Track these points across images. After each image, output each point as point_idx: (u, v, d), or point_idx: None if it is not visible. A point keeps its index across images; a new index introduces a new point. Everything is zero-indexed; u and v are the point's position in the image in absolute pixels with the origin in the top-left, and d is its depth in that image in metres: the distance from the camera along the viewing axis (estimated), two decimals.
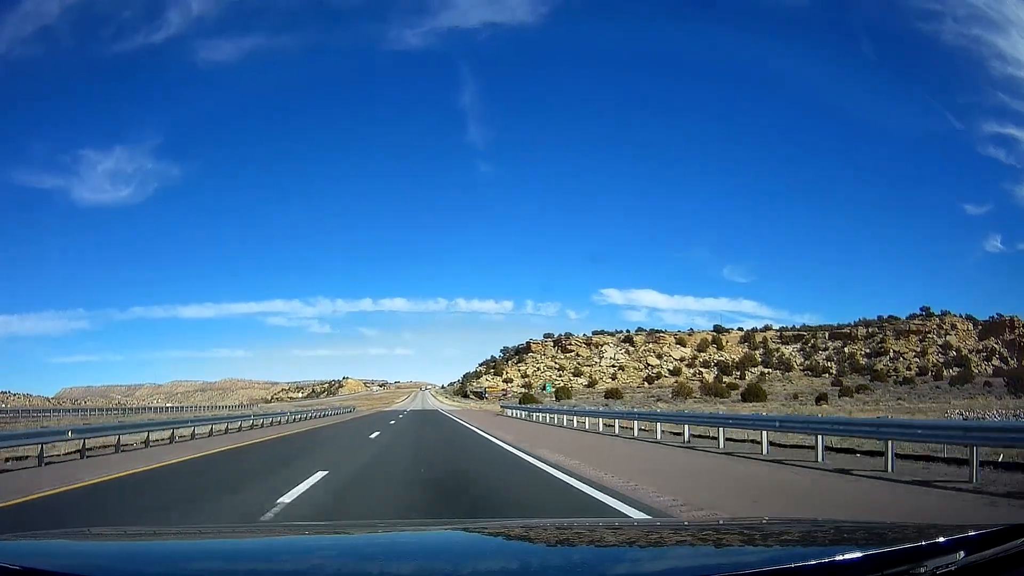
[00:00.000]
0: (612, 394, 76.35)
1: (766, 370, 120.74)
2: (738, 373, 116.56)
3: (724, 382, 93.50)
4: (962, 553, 1.31)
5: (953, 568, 1.29)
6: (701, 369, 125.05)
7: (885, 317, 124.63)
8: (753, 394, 61.91)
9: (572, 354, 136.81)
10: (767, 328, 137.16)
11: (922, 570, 1.26)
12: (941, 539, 1.36)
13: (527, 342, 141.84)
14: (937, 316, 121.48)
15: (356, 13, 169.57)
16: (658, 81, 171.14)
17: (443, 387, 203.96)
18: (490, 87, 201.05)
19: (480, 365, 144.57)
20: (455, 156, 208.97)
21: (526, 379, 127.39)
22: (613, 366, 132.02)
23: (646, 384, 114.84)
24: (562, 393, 79.67)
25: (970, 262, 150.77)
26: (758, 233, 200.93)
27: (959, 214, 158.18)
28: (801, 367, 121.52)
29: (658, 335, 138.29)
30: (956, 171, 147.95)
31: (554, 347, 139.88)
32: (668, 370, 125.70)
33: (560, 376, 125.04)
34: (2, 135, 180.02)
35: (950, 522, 1.85)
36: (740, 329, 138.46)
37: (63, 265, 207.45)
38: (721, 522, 3.18)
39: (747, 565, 1.39)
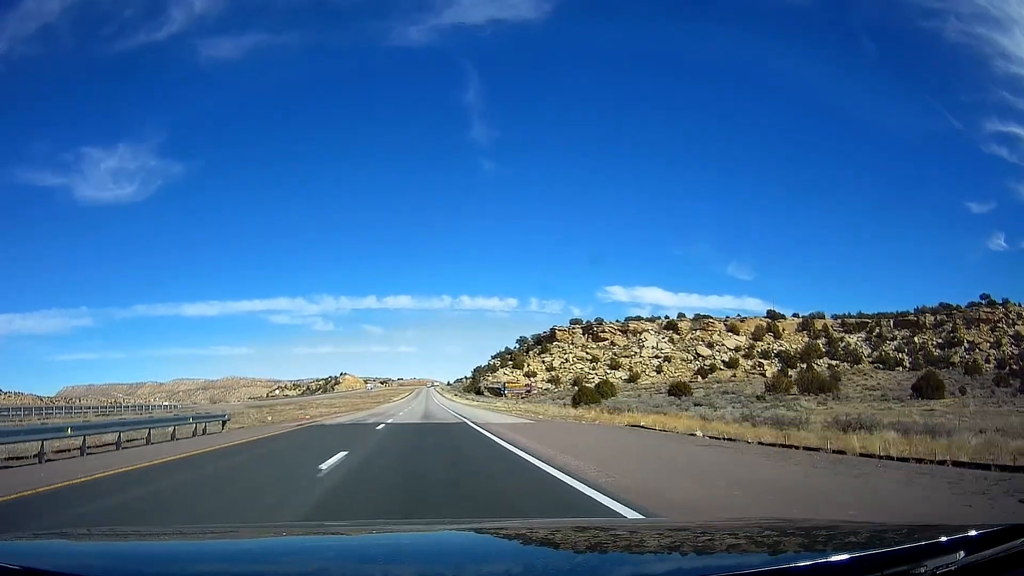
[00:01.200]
0: (678, 389, 67.97)
1: (832, 362, 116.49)
2: (803, 365, 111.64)
3: (789, 375, 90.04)
4: (962, 553, 1.43)
5: (953, 568, 1.41)
6: (761, 360, 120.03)
7: (952, 305, 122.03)
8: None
9: (605, 343, 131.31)
10: (819, 315, 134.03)
11: (922, 570, 1.38)
12: (941, 539, 1.48)
13: (551, 329, 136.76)
14: (1000, 305, 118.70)
15: (358, 10, 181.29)
16: (661, 79, 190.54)
17: (450, 383, 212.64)
18: (494, 85, 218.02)
19: (494, 358, 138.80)
20: (459, 154, 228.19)
21: (552, 372, 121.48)
22: (657, 357, 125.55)
23: (699, 378, 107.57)
24: (604, 389, 69.68)
25: (973, 260, 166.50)
26: (761, 231, 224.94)
27: (962, 212, 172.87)
28: (870, 359, 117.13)
29: (706, 321, 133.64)
30: (959, 169, 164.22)
31: (584, 335, 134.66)
32: (723, 361, 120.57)
33: (594, 369, 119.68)
34: (4, 133, 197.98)
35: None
36: (796, 315, 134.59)
37: (66, 263, 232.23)
38: (721, 522, 3.43)
39: (747, 565, 1.52)
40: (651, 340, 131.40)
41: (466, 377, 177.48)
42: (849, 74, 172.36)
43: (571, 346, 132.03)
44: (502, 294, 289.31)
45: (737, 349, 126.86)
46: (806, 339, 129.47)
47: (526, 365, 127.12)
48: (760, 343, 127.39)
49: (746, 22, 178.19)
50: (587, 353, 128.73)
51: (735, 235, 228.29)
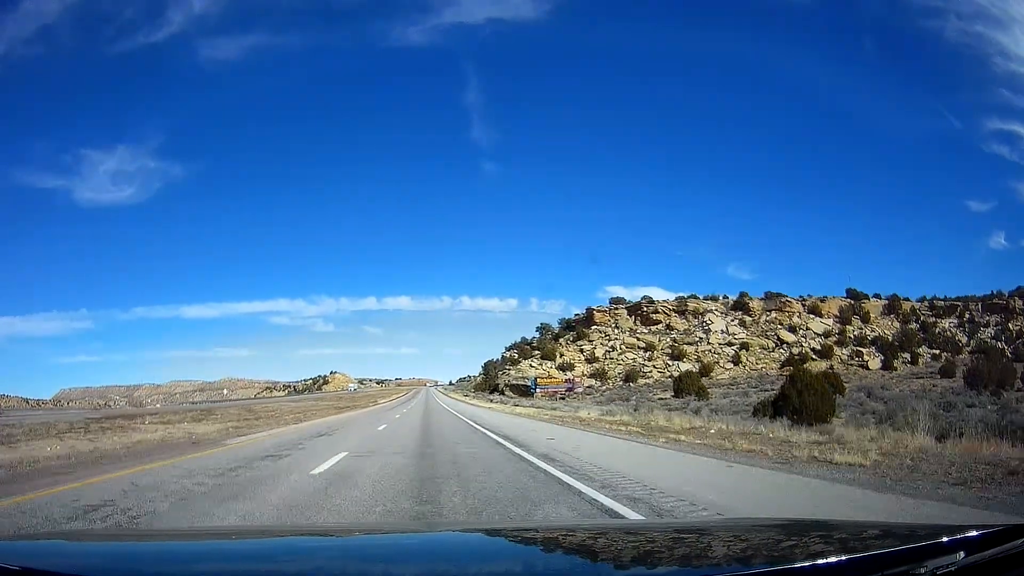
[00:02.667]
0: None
1: (932, 351, 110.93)
2: (906, 356, 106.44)
3: (894, 367, 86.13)
4: (962, 553, 1.66)
5: (953, 568, 1.62)
6: (859, 348, 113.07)
7: None
8: None
9: (659, 326, 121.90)
10: (896, 297, 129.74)
11: (922, 570, 1.60)
12: (941, 539, 1.74)
13: (587, 311, 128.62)
14: None
15: (359, 11, 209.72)
16: (661, 80, 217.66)
17: (453, 383, 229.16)
18: (495, 85, 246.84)
19: (510, 349, 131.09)
20: (459, 154, 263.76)
21: (596, 364, 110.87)
22: (730, 344, 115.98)
23: (791, 370, 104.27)
24: (686, 384, 57.28)
25: (973, 259, 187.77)
26: (761, 232, 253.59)
27: (962, 211, 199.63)
28: (968, 348, 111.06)
29: (781, 300, 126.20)
30: (959, 168, 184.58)
31: (631, 316, 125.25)
32: (812, 349, 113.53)
33: (650, 360, 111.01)
34: (3, 135, 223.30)
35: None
36: (878, 296, 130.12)
37: (66, 266, 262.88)
38: (721, 523, 3.69)
39: (747, 565, 1.78)
40: (718, 323, 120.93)
41: (471, 376, 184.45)
42: (851, 72, 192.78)
43: (616, 331, 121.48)
44: (502, 295, 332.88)
45: (826, 334, 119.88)
46: (894, 323, 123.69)
47: (558, 355, 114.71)
48: (849, 327, 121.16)
49: (746, 23, 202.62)
50: (638, 339, 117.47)
51: (735, 235, 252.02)
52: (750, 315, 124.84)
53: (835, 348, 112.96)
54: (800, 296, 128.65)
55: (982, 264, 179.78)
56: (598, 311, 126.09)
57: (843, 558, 1.66)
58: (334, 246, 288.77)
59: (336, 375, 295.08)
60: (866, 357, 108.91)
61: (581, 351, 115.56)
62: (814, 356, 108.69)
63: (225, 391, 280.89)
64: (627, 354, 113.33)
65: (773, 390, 57.59)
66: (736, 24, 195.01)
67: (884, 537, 2.06)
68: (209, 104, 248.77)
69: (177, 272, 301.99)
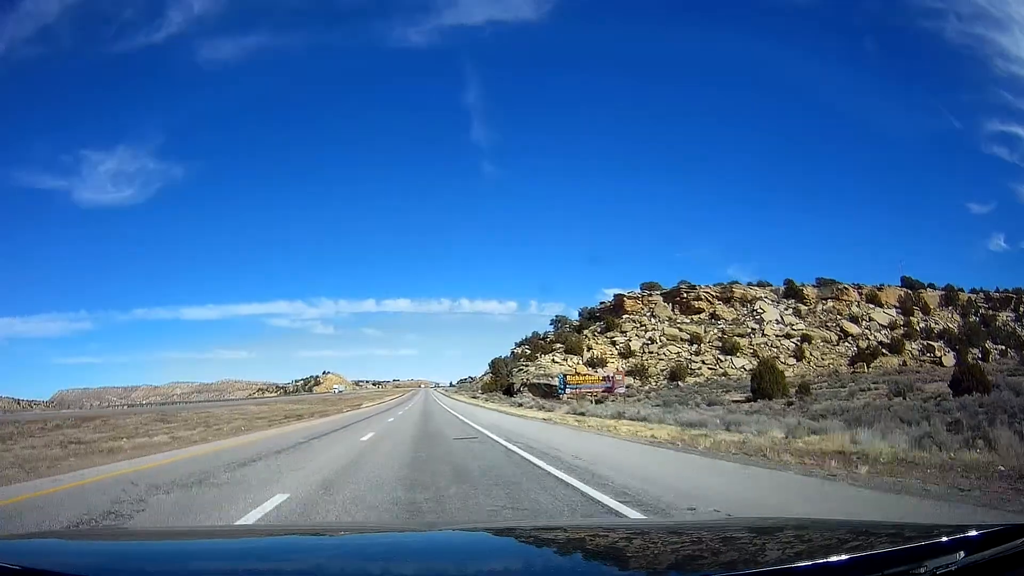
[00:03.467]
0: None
1: (998, 346, 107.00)
2: (975, 351, 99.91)
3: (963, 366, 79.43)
4: (962, 553, 1.79)
5: (953, 568, 1.77)
6: (929, 343, 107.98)
7: None
8: None
9: (702, 315, 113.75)
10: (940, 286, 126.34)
11: (922, 570, 1.74)
12: (941, 539, 1.88)
13: (615, 298, 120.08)
14: None
15: (359, 12, 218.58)
16: (662, 81, 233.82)
17: (454, 384, 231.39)
18: (494, 86, 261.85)
19: (521, 344, 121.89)
20: (459, 156, 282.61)
21: (632, 359, 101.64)
22: (788, 336, 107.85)
23: (864, 367, 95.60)
24: (767, 384, 52.56)
25: (974, 260, 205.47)
26: (762, 233, 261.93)
27: (962, 212, 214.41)
28: None
29: (837, 288, 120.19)
30: (959, 169, 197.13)
31: (668, 304, 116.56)
32: (880, 343, 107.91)
33: (697, 353, 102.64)
34: (3, 135, 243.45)
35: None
36: (933, 286, 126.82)
37: (66, 267, 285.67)
38: (721, 522, 3.80)
39: (747, 565, 1.91)
40: (771, 312, 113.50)
41: (473, 377, 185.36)
42: (851, 73, 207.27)
43: (652, 320, 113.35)
44: (501, 297, 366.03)
45: (891, 326, 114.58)
46: (954, 316, 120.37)
47: (585, 349, 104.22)
48: (913, 318, 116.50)
49: (747, 23, 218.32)
50: (680, 330, 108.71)
51: (736, 236, 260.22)
52: (804, 303, 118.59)
53: (906, 343, 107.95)
54: (855, 283, 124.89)
55: (981, 266, 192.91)
56: (629, 297, 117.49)
57: (843, 558, 1.78)
58: (333, 248, 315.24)
59: (328, 376, 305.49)
60: (938, 352, 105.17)
61: (613, 344, 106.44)
62: (884, 351, 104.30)
63: (220, 392, 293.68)
64: (669, 347, 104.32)
65: (872, 389, 53.56)
66: (736, 24, 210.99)
67: (884, 537, 2.18)
68: (209, 105, 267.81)
69: (177, 273, 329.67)
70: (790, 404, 43.34)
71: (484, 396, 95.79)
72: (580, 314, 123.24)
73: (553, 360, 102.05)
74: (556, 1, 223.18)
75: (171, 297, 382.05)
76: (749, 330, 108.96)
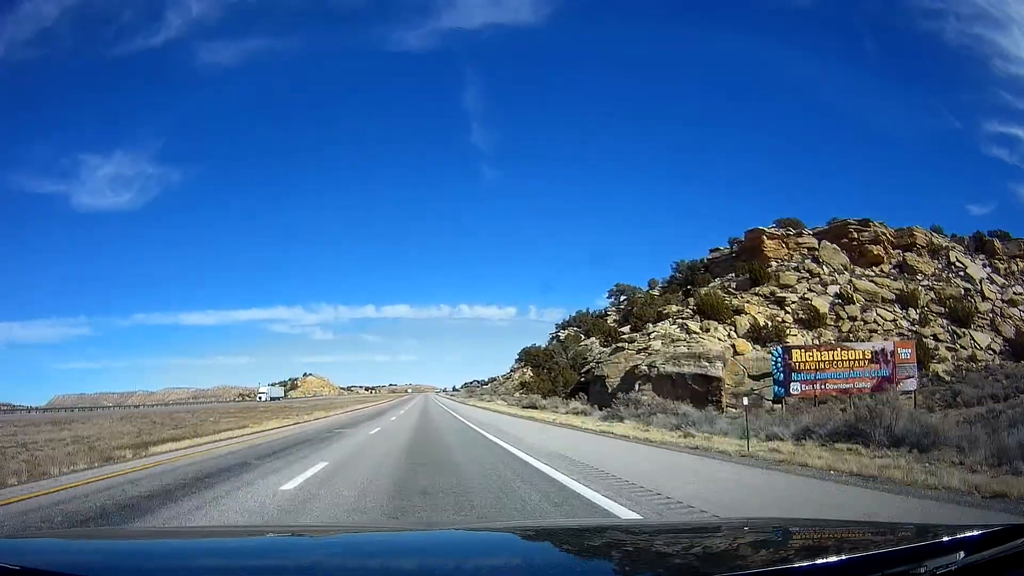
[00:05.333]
0: None
1: None
2: None
3: None
4: (962, 553, 1.82)
5: (953, 568, 1.79)
6: None
7: None
8: None
9: (883, 267, 72.57)
10: None
11: (922, 570, 1.76)
12: (942, 539, 1.90)
13: (746, 235, 76.07)
14: None
15: (358, 15, 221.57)
16: (662, 83, 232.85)
17: (457, 388, 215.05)
18: (494, 89, 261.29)
19: (566, 325, 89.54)
20: (459, 160, 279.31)
21: (819, 327, 61.70)
22: (1012, 302, 70.02)
23: None
24: None
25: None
26: None
27: (962, 213, 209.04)
28: None
29: None
30: (959, 171, 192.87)
31: (836, 245, 73.27)
32: None
33: (924, 323, 63.05)
34: (2, 139, 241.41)
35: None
36: None
37: (64, 272, 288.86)
38: (720, 522, 3.81)
39: (747, 565, 1.93)
40: (974, 268, 73.73)
41: (478, 381, 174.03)
42: (851, 73, 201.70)
43: (822, 268, 70.67)
44: (501, 303, 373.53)
45: None
46: None
47: (726, 312, 61.30)
48: None
49: (746, 24, 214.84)
50: (876, 284, 69.02)
51: (737, 236, 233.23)
52: (998, 259, 79.00)
53: None
54: None
55: None
56: (768, 235, 73.76)
57: (843, 558, 1.80)
58: (333, 253, 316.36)
59: (309, 378, 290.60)
60: None
61: (779, 304, 64.44)
62: None
63: (216, 398, 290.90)
64: (878, 311, 64.51)
65: None
66: (736, 25, 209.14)
67: (884, 537, 2.20)
68: (207, 109, 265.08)
69: (175, 279, 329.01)
70: None
71: (523, 400, 61.76)
72: (675, 268, 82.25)
73: (681, 328, 59.28)
74: (555, 2, 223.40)
75: (170, 302, 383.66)
76: (960, 290, 70.21)
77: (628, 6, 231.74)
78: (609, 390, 50.63)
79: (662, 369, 47.28)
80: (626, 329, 71.30)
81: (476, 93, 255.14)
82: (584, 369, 66.29)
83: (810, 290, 67.16)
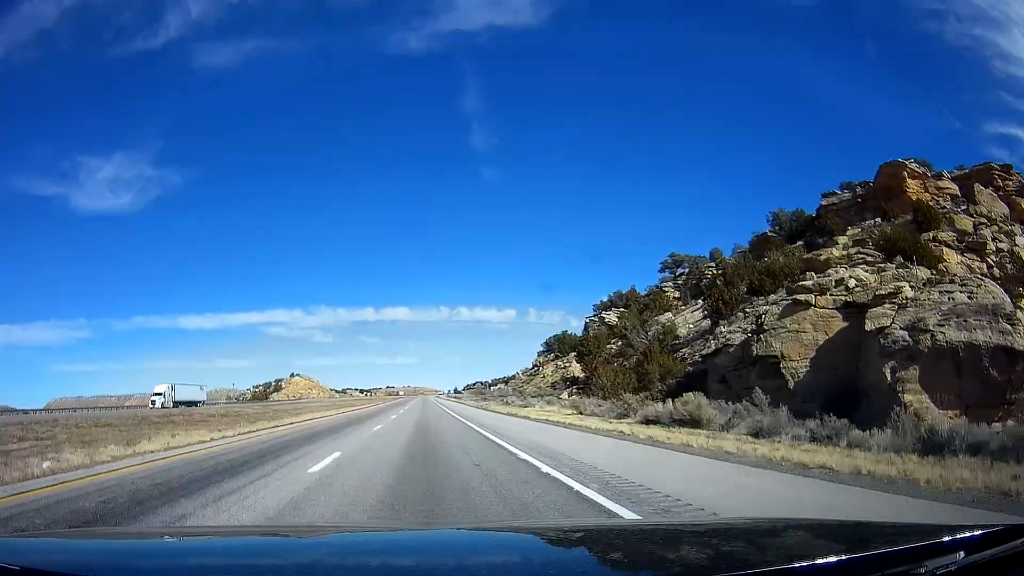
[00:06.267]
0: None
1: None
2: None
3: None
4: (962, 553, 1.82)
5: (953, 568, 1.80)
6: None
7: None
8: None
9: None
10: None
11: (922, 570, 1.77)
12: (942, 539, 1.91)
13: (886, 165, 56.81)
14: None
15: (357, 17, 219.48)
16: (663, 83, 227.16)
17: (460, 390, 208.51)
18: (494, 91, 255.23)
19: (605, 307, 78.70)
20: (458, 162, 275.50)
21: None
22: None
23: None
24: None
25: None
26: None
27: None
28: None
29: None
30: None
31: (994, 192, 54.88)
32: None
33: None
34: (1, 141, 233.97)
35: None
36: None
37: (64, 274, 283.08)
38: (720, 522, 3.81)
39: (746, 565, 1.94)
40: None
41: (480, 382, 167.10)
42: (850, 73, 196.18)
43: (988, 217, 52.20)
44: (500, 305, 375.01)
45: None
46: None
47: (930, 262, 38.85)
48: None
49: (746, 24, 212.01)
50: None
51: (737, 237, 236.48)
52: None
53: None
54: None
55: None
56: (910, 172, 54.37)
57: (843, 558, 1.81)
58: (332, 256, 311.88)
59: (296, 378, 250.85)
60: None
61: (972, 248, 47.30)
62: None
63: (213, 401, 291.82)
64: None
65: None
66: (736, 26, 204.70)
67: (884, 537, 2.21)
68: (207, 111, 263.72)
69: (174, 281, 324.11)
70: None
71: (579, 404, 46.46)
72: (772, 220, 66.78)
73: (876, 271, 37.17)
74: (555, 3, 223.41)
75: (169, 305, 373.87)
76: None
77: (628, 6, 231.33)
78: (790, 383, 29.57)
79: (938, 335, 24.67)
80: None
81: (475, 95, 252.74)
82: (677, 355, 48.56)
83: (994, 238, 48.97)
